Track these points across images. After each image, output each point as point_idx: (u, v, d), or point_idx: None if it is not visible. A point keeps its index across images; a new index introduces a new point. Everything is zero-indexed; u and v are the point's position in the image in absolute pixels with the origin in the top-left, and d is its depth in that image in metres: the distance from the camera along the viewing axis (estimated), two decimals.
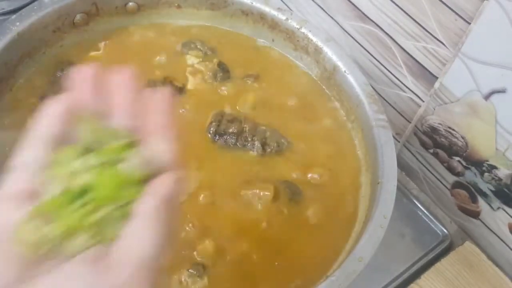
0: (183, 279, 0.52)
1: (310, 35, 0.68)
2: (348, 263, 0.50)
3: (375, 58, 0.69)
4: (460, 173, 0.66)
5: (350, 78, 0.65)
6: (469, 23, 0.55)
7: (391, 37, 0.65)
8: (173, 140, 0.33)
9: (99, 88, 0.34)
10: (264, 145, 0.61)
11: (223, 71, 0.67)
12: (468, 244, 0.67)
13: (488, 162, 0.62)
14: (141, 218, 0.30)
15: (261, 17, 0.70)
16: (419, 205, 0.71)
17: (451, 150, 0.66)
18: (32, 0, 0.64)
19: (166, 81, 0.65)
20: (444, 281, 0.63)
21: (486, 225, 0.67)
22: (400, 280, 0.64)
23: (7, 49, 0.60)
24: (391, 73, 0.68)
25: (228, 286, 0.54)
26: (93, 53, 0.67)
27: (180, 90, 0.65)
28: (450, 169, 0.67)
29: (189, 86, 0.66)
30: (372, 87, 0.64)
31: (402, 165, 0.74)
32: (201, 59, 0.68)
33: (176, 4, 0.71)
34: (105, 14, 0.68)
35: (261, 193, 0.58)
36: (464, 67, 0.58)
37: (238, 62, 0.69)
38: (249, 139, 0.61)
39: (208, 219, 0.55)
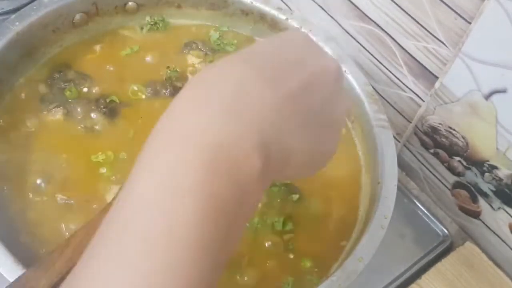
0: None
1: (310, 35, 0.68)
2: (349, 263, 0.50)
3: (375, 58, 0.69)
4: (460, 173, 0.66)
5: (350, 78, 0.64)
6: (470, 23, 0.55)
7: (391, 37, 0.65)
8: None
9: None
10: None
11: None
12: (468, 244, 0.67)
13: (488, 162, 0.62)
14: None
15: (261, 17, 0.70)
16: (419, 205, 0.71)
17: (452, 150, 0.65)
18: (31, 0, 0.63)
19: (167, 81, 0.65)
20: (444, 281, 0.63)
21: (486, 225, 0.67)
22: (400, 280, 0.64)
23: (6, 49, 0.60)
24: (391, 73, 0.68)
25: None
26: (92, 53, 0.67)
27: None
28: (451, 169, 0.67)
29: None
30: (372, 87, 0.64)
31: (402, 165, 0.74)
32: (201, 59, 0.68)
33: (176, 4, 0.71)
34: (105, 14, 0.68)
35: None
36: (465, 67, 0.58)
37: None
38: None
39: None
